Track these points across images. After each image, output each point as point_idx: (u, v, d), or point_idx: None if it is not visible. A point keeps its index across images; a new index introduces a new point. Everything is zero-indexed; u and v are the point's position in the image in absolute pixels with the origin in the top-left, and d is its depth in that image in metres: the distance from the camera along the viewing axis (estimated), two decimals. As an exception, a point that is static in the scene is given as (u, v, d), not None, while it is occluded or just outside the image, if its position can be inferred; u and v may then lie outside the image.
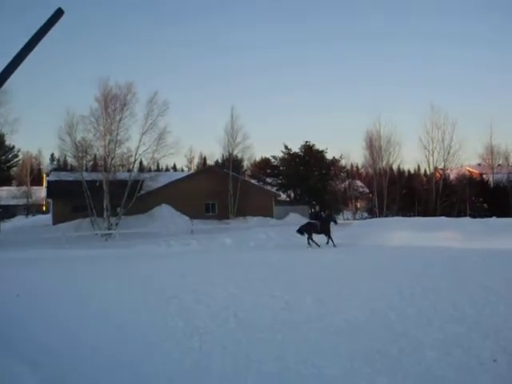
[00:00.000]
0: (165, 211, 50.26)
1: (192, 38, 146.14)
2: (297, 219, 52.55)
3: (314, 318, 10.60)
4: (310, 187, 63.48)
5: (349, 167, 73.40)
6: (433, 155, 61.21)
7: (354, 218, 57.12)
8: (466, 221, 39.51)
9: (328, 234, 30.44)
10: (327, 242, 30.05)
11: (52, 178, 54.76)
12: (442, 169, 62.15)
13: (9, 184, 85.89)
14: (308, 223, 32.23)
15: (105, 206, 45.29)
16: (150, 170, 53.51)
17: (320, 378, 7.09)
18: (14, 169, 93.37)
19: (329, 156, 68.08)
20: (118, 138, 47.29)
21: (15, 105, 57.46)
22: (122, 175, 47.25)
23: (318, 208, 36.96)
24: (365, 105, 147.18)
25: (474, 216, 51.73)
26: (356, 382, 6.88)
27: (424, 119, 62.60)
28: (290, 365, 7.66)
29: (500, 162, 71.64)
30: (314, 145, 66.93)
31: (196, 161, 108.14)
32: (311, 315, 10.93)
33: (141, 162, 53.69)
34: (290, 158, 67.10)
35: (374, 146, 60.97)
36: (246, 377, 7.22)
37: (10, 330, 10.73)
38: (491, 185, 66.66)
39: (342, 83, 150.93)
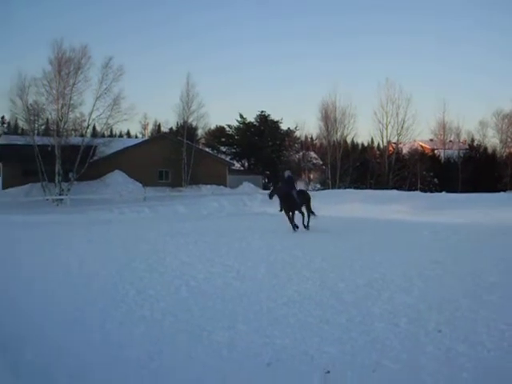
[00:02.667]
0: (118, 177, 49.75)
1: (149, 1, 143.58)
2: (250, 189, 52.72)
3: (265, 288, 10.70)
4: (264, 157, 63.61)
5: (303, 138, 73.52)
6: (386, 129, 61.75)
7: (307, 189, 57.23)
8: (417, 195, 40.20)
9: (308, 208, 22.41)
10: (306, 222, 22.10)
11: (2, 141, 53.58)
12: (394, 143, 62.82)
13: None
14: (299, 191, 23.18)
15: (56, 171, 44.64)
16: (103, 136, 52.87)
17: (270, 346, 7.17)
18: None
19: (284, 127, 68.24)
20: (72, 102, 46.64)
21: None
22: (75, 140, 46.58)
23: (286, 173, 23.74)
24: (321, 76, 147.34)
25: (424, 190, 52.64)
26: (305, 350, 6.99)
27: (379, 93, 62.96)
28: (241, 334, 7.73)
29: (451, 138, 72.69)
30: (269, 115, 66.99)
31: (150, 128, 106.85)
32: (263, 285, 11.03)
33: (94, 128, 53.02)
34: (245, 127, 67.01)
35: (329, 118, 61.03)
36: (196, 346, 7.27)
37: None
38: (442, 160, 67.68)
39: (300, 54, 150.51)
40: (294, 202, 21.71)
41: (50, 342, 7.55)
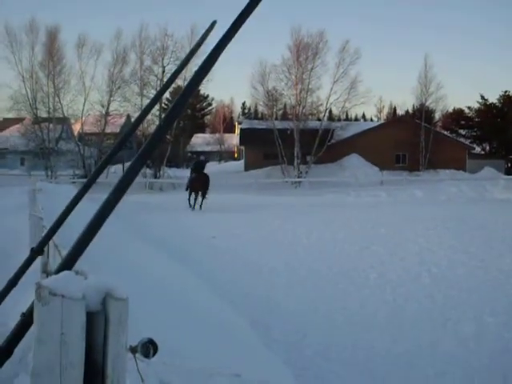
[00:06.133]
0: (354, 161, 50.01)
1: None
2: (491, 174, 50.29)
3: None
4: (507, 141, 60.23)
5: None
6: None
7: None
8: None
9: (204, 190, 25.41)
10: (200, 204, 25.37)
11: (244, 125, 56.47)
12: None
13: (203, 131, 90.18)
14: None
15: (295, 154, 46.13)
16: (339, 120, 53.48)
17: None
18: (208, 117, 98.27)
19: (530, 107, 63.97)
20: (310, 86, 48.06)
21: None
22: (312, 124, 47.89)
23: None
24: None
25: None
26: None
27: None
28: (488, 326, 7.39)
29: None
30: (514, 95, 63.21)
31: (386, 111, 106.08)
32: (510, 277, 10.43)
33: (330, 111, 53.94)
34: (487, 109, 63.87)
35: None
36: (440, 335, 7.08)
37: (211, 269, 11.22)
38: None
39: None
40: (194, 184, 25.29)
41: (296, 320, 7.78)
